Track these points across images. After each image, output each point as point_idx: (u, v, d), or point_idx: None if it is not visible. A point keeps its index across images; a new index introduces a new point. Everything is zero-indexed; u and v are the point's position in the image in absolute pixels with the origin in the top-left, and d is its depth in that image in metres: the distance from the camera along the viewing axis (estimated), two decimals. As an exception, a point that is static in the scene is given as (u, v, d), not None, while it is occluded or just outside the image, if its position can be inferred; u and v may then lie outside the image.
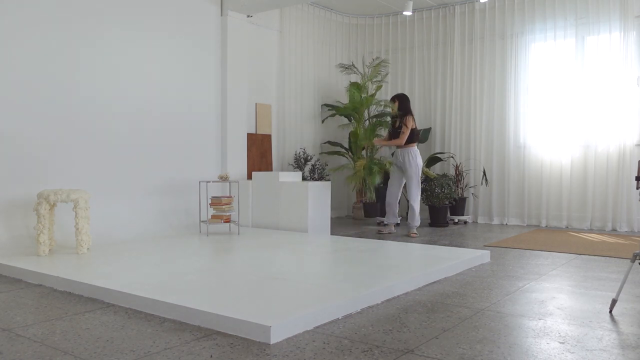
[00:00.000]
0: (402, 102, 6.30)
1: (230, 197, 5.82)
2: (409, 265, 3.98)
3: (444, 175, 7.37)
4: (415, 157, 6.20)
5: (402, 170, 6.32)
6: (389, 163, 6.87)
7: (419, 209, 6.29)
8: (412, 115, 6.26)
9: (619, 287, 2.98)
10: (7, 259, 4.14)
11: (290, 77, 7.83)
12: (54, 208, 4.56)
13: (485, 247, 5.41)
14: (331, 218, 8.17)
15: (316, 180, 7.68)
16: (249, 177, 6.95)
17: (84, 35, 5.28)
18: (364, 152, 7.30)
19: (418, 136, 6.34)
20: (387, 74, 7.54)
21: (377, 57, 7.75)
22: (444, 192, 7.18)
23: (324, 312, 2.78)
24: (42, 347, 2.39)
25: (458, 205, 7.53)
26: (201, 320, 2.70)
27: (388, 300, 3.21)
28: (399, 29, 8.62)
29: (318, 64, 8.36)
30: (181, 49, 6.23)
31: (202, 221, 5.74)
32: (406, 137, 6.15)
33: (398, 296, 3.32)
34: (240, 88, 6.84)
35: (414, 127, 6.20)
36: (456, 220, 7.60)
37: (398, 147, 6.31)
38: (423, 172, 7.39)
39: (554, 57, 7.22)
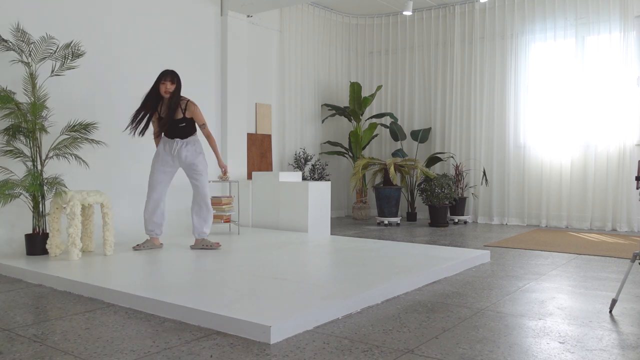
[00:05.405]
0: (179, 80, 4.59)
1: (230, 197, 5.82)
2: (409, 265, 3.98)
3: (444, 175, 7.38)
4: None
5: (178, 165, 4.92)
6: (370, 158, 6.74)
7: None
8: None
9: (619, 287, 2.98)
10: (7, 259, 4.15)
11: (290, 77, 7.83)
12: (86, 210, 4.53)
13: (485, 247, 5.41)
14: (331, 218, 8.17)
15: (316, 180, 7.68)
16: (249, 177, 6.94)
17: (86, 34, 5.28)
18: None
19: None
20: (79, 55, 4.66)
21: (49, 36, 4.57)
22: (444, 192, 7.19)
23: (324, 312, 2.78)
24: (42, 347, 2.39)
25: (458, 205, 7.53)
26: (201, 320, 2.69)
27: (388, 300, 3.21)
28: (399, 29, 8.62)
29: (318, 64, 8.36)
30: (181, 48, 6.23)
31: (202, 221, 5.73)
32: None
33: (398, 296, 3.32)
34: (240, 88, 6.84)
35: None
36: (456, 220, 7.60)
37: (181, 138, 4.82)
38: (423, 172, 7.39)
39: (554, 57, 7.22)
